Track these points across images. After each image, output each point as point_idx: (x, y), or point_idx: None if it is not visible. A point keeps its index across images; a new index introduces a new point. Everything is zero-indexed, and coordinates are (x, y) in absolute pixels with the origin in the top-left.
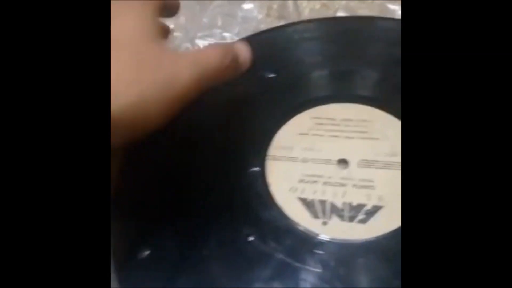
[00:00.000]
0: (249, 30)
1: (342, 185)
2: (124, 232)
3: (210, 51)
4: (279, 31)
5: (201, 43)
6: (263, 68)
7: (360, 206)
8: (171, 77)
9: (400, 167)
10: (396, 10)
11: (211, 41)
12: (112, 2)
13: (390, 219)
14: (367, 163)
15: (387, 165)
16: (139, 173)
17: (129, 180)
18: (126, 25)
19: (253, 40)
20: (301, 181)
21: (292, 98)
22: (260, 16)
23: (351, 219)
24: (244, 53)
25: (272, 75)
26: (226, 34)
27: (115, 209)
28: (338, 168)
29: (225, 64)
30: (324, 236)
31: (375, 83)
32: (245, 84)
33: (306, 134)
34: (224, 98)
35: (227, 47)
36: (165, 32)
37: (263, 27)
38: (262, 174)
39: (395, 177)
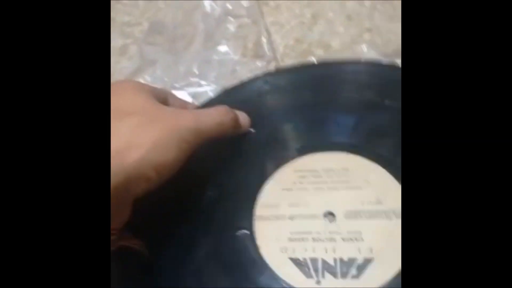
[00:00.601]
0: (226, 74)
1: (331, 239)
2: None
3: (213, 109)
4: (249, 85)
5: (179, 93)
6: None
7: (351, 261)
8: (177, 128)
9: (385, 216)
10: (367, 41)
11: (189, 90)
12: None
13: (382, 271)
14: (354, 214)
15: (373, 215)
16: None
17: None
18: (130, 98)
19: (228, 96)
20: (291, 240)
21: (272, 153)
22: (236, 57)
23: (344, 275)
24: (243, 117)
25: (250, 130)
26: (203, 82)
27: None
28: (326, 222)
29: (225, 122)
30: None
31: (351, 128)
32: (224, 142)
33: (291, 189)
34: (206, 159)
35: (228, 108)
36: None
37: (239, 68)
38: (251, 236)
39: (382, 226)
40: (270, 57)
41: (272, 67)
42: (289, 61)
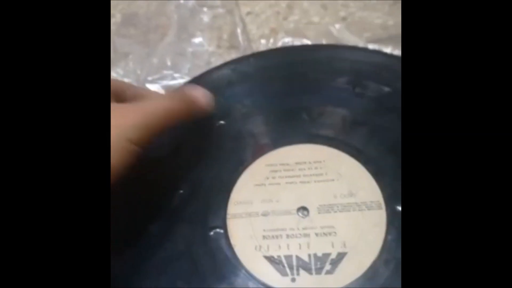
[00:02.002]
0: (201, 66)
1: (305, 235)
2: None
3: (158, 96)
4: (217, 73)
5: (152, 87)
6: (212, 116)
7: (325, 256)
8: (122, 129)
9: (358, 209)
10: (341, 29)
11: (162, 83)
12: None
13: (355, 265)
14: (326, 208)
15: (345, 207)
16: None
17: None
18: None
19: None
20: (265, 237)
21: (244, 147)
22: (211, 49)
23: (318, 271)
24: (202, 95)
25: (221, 123)
26: (176, 75)
27: None
28: (299, 218)
29: (175, 107)
30: None
31: (322, 119)
32: (194, 137)
33: (263, 184)
34: (175, 154)
35: (177, 92)
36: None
37: (214, 60)
38: (225, 235)
39: (354, 219)
40: (245, 47)
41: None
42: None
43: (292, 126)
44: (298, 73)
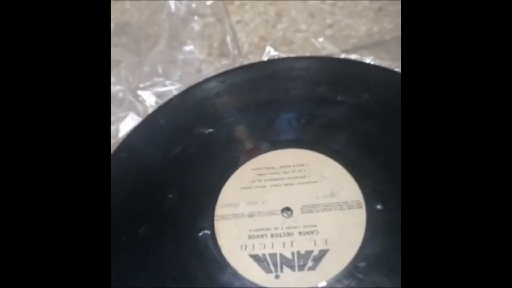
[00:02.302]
0: (191, 73)
1: (289, 234)
2: None
3: None
4: (207, 85)
5: (144, 94)
6: (199, 124)
7: (308, 253)
8: None
9: (339, 208)
10: (328, 36)
11: (154, 90)
12: None
13: (336, 261)
14: (309, 208)
15: (327, 207)
16: None
17: None
18: None
19: (186, 97)
20: (250, 237)
21: (231, 152)
22: (201, 57)
23: (301, 267)
24: None
25: (209, 130)
26: (167, 82)
27: None
28: (283, 218)
29: None
30: None
31: (306, 125)
32: (184, 143)
33: (249, 187)
34: (166, 160)
35: None
36: None
37: (205, 67)
38: (212, 236)
39: (336, 218)
40: (235, 55)
41: (237, 65)
42: (253, 59)
43: (277, 132)
44: (281, 84)
